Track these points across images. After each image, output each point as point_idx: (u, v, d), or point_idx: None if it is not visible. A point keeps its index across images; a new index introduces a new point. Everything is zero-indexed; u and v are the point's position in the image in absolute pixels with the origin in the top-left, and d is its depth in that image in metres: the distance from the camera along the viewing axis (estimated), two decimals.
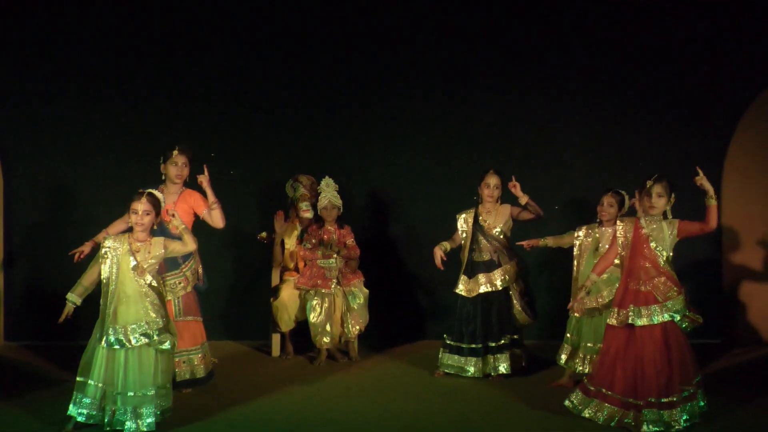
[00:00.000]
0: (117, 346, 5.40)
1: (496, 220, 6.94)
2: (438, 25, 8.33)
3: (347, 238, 7.49)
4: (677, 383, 5.50)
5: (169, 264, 6.20)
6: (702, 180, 5.60)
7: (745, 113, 8.13)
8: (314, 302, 7.29)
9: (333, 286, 7.32)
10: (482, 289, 6.88)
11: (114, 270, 5.47)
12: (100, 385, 5.41)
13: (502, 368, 6.84)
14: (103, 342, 5.41)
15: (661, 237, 5.60)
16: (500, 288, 6.89)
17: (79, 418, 5.41)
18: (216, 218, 6.40)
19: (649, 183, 5.62)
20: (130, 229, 5.67)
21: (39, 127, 8.19)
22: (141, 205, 5.52)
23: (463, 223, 7.04)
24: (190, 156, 6.49)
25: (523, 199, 6.80)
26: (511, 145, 8.29)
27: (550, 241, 6.94)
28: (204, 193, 6.39)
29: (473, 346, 6.87)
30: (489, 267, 6.92)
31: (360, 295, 7.40)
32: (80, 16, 8.16)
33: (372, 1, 8.34)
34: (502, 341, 6.87)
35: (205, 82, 8.31)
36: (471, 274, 6.94)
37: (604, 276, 6.21)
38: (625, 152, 8.19)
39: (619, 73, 8.27)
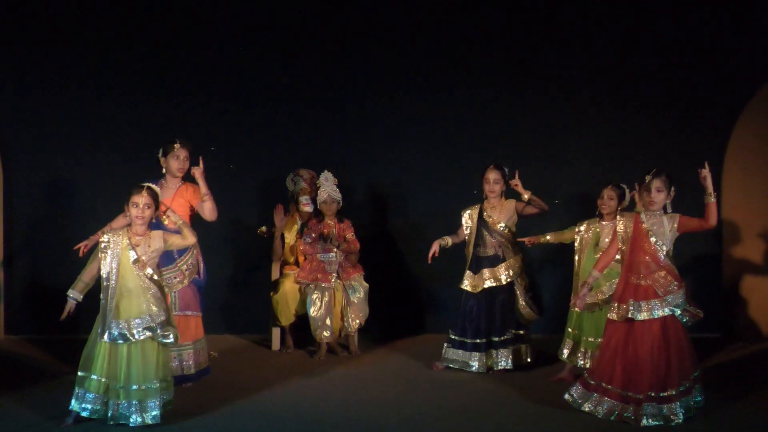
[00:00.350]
0: (120, 341, 5.40)
1: (501, 216, 6.94)
2: (440, 20, 8.31)
3: (347, 232, 7.48)
4: (676, 377, 5.51)
5: (164, 259, 6.16)
6: (706, 175, 5.58)
7: (746, 108, 8.12)
8: (314, 296, 7.29)
9: (333, 280, 7.33)
10: (487, 284, 6.89)
11: (114, 265, 5.46)
12: (103, 379, 5.41)
13: (504, 363, 6.84)
14: (105, 337, 5.40)
15: (662, 232, 5.60)
16: (504, 283, 6.89)
17: (84, 413, 5.41)
18: (207, 210, 6.38)
19: (647, 177, 5.62)
20: (128, 225, 5.67)
21: (39, 121, 8.18)
22: (142, 198, 5.51)
23: (468, 218, 7.04)
24: (191, 149, 6.48)
25: (526, 195, 6.80)
26: (513, 140, 8.28)
27: (551, 237, 6.96)
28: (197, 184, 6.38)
29: (477, 341, 6.87)
30: (493, 262, 6.92)
31: (360, 289, 7.40)
32: (80, 10, 8.14)
33: None
34: (505, 336, 6.88)
35: (205, 76, 8.30)
36: (476, 269, 6.95)
37: (605, 270, 6.21)
38: (625, 147, 8.18)
39: (619, 69, 8.25)
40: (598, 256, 6.29)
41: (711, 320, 7.69)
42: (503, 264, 6.91)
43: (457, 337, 6.95)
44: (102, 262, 5.48)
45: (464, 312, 6.96)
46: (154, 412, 5.41)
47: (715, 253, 8.19)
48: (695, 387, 5.60)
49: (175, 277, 6.34)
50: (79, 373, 5.47)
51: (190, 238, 5.79)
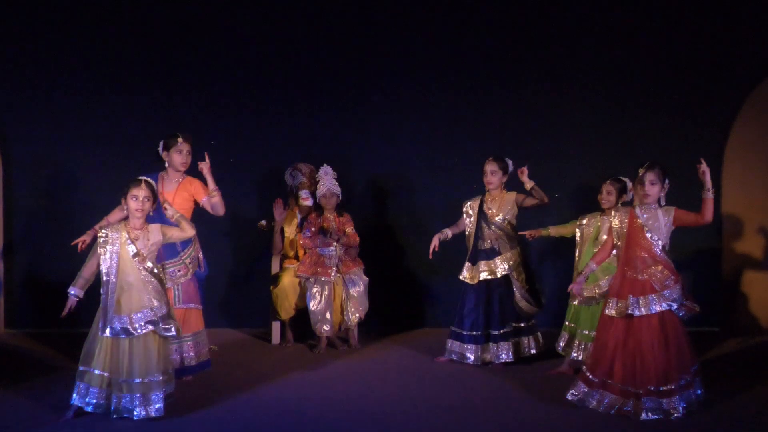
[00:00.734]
0: (123, 335, 5.41)
1: (500, 208, 6.94)
2: (440, 13, 8.30)
3: (347, 226, 7.48)
4: (675, 371, 5.51)
5: (168, 252, 6.19)
6: (705, 171, 5.55)
7: (746, 102, 8.12)
8: (314, 290, 7.29)
9: (333, 274, 7.33)
10: (482, 276, 6.90)
11: (114, 260, 5.46)
12: (105, 374, 5.42)
13: (504, 356, 6.85)
14: (107, 332, 5.40)
15: (657, 226, 5.59)
16: (500, 276, 6.89)
17: (87, 408, 5.42)
18: (216, 206, 6.39)
19: (641, 171, 5.61)
20: (126, 218, 5.66)
21: (39, 114, 8.18)
22: (142, 192, 5.50)
23: (469, 209, 7.05)
24: (193, 143, 6.47)
25: (529, 184, 6.78)
26: (513, 134, 8.27)
27: (552, 231, 6.97)
28: (204, 180, 6.37)
29: (474, 333, 6.88)
30: (490, 255, 6.93)
31: (360, 282, 7.40)
32: (80, 4, 8.13)
33: None
34: (505, 329, 6.88)
35: (205, 69, 8.29)
36: (474, 261, 6.96)
37: (604, 264, 6.22)
38: (625, 142, 8.18)
39: (619, 63, 8.25)
40: (596, 250, 6.32)
41: (710, 314, 7.75)
42: (499, 257, 6.91)
43: (455, 329, 6.97)
44: (101, 257, 5.47)
45: (462, 304, 6.97)
46: (157, 405, 5.42)
47: (715, 247, 8.19)
48: (695, 380, 5.60)
49: (179, 270, 6.33)
50: (80, 368, 5.47)
51: (188, 231, 5.78)
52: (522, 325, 6.98)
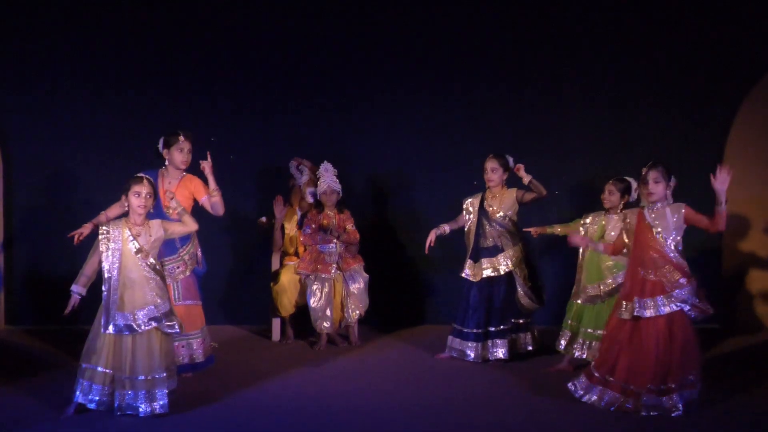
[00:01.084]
0: (126, 332, 5.40)
1: (500, 205, 6.94)
2: (440, 10, 8.29)
3: (347, 223, 7.48)
4: (678, 371, 5.50)
5: (166, 249, 6.18)
6: (719, 187, 5.44)
7: (746, 99, 8.12)
8: (314, 287, 7.29)
9: (333, 271, 7.33)
10: (485, 274, 6.90)
11: (116, 257, 5.45)
12: (108, 370, 5.42)
13: (500, 353, 6.86)
14: (110, 329, 5.39)
15: (665, 224, 5.55)
16: (503, 273, 6.89)
17: (91, 405, 5.42)
18: (216, 206, 6.38)
19: (644, 170, 5.61)
20: (124, 215, 5.65)
21: (39, 110, 8.18)
22: (144, 188, 5.50)
23: (469, 206, 7.05)
24: (193, 141, 6.46)
25: (526, 178, 6.77)
26: (513, 131, 8.27)
27: (557, 229, 6.95)
28: (204, 179, 6.36)
29: (475, 330, 6.89)
30: (492, 252, 6.93)
31: (360, 279, 7.40)
32: (80, 3, 8.12)
33: None
34: (503, 326, 6.88)
35: (205, 67, 8.29)
36: (476, 258, 6.96)
37: (609, 263, 6.25)
38: (626, 139, 8.18)
39: (620, 60, 8.25)
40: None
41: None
42: (502, 254, 6.91)
43: (457, 326, 6.97)
44: (103, 254, 5.46)
45: (465, 301, 6.97)
46: (162, 401, 5.43)
47: (716, 244, 8.19)
48: (697, 381, 5.58)
49: (177, 267, 6.33)
50: (82, 365, 5.47)
51: (191, 225, 5.79)
52: (521, 321, 6.98)
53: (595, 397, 5.63)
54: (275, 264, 7.74)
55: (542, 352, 7.02)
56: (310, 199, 7.61)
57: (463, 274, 6.97)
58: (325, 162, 7.49)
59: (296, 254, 7.65)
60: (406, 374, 6.59)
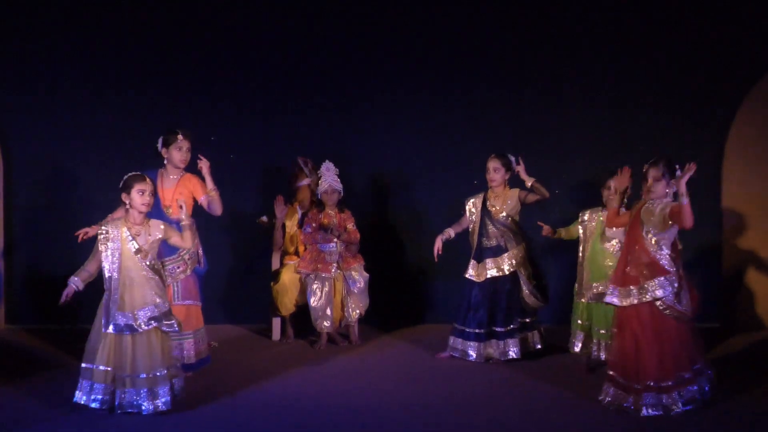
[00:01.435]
0: (127, 332, 5.40)
1: (503, 205, 6.94)
2: (440, 10, 8.29)
3: (348, 223, 7.48)
4: (673, 366, 5.49)
5: (167, 249, 6.17)
6: (683, 175, 5.37)
7: (746, 99, 8.12)
8: (314, 286, 7.29)
9: (333, 270, 7.33)
10: (490, 274, 6.89)
11: (116, 257, 5.45)
12: (109, 369, 5.41)
13: (512, 353, 6.85)
14: (111, 328, 5.39)
15: (652, 220, 5.53)
16: (507, 273, 6.89)
17: (93, 405, 5.41)
18: (214, 206, 6.39)
19: (645, 167, 5.61)
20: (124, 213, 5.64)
21: (40, 110, 8.19)
22: (148, 186, 5.51)
23: (472, 207, 7.04)
24: (192, 140, 6.46)
25: (529, 181, 6.78)
26: (513, 131, 8.27)
27: (563, 233, 6.94)
28: (202, 178, 6.36)
29: (477, 331, 6.88)
30: (496, 252, 6.92)
31: (360, 279, 7.40)
32: (81, 3, 8.13)
33: None
34: (511, 326, 6.88)
35: (206, 67, 8.30)
36: (479, 258, 6.95)
37: (611, 263, 6.22)
38: (626, 138, 8.17)
39: (620, 60, 8.25)
40: (606, 245, 6.33)
41: (711, 310, 7.74)
42: (506, 254, 6.90)
43: (459, 326, 6.96)
44: (103, 254, 5.46)
45: (467, 301, 6.96)
46: (164, 398, 5.43)
47: (716, 243, 8.19)
48: (700, 377, 5.59)
49: (178, 267, 6.31)
50: (83, 365, 5.46)
51: (188, 242, 5.79)
52: (527, 320, 6.97)
53: (603, 395, 5.65)
54: (275, 263, 7.74)
55: (546, 351, 7.00)
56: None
57: (467, 275, 6.96)
58: (327, 161, 7.48)
59: (297, 253, 7.64)
60: (406, 373, 6.58)
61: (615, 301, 5.56)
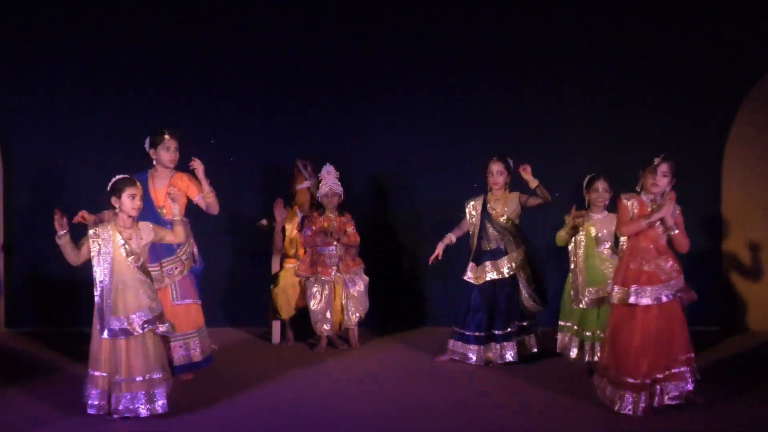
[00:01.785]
0: (122, 336, 5.40)
1: (504, 208, 6.93)
2: (440, 10, 8.28)
3: (347, 226, 7.47)
4: (667, 360, 5.54)
5: (164, 250, 6.20)
6: (666, 201, 5.53)
7: (746, 99, 8.12)
8: (314, 289, 7.30)
9: (333, 274, 7.33)
10: (489, 277, 6.89)
11: (107, 261, 5.43)
12: (104, 374, 5.42)
13: (509, 356, 6.86)
14: (105, 333, 5.40)
15: (668, 216, 5.56)
16: (506, 276, 6.88)
17: (90, 411, 5.42)
18: (210, 205, 6.41)
19: (657, 160, 5.62)
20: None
21: (40, 110, 8.19)
22: (138, 191, 5.51)
23: (472, 209, 7.03)
24: (180, 139, 6.45)
25: (533, 183, 6.76)
26: (513, 132, 8.27)
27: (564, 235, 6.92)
28: (193, 174, 6.37)
29: (477, 334, 6.88)
30: (496, 255, 6.92)
31: (360, 282, 7.40)
32: (80, 3, 8.12)
33: None
34: (509, 329, 6.88)
35: (205, 69, 8.29)
36: (478, 261, 6.95)
37: (610, 269, 6.21)
38: (627, 139, 8.17)
39: (620, 60, 8.24)
40: (601, 249, 6.31)
41: (709, 313, 7.76)
42: (505, 257, 6.90)
43: (458, 329, 6.96)
44: (93, 258, 5.44)
45: (465, 303, 6.96)
46: (161, 401, 5.44)
47: (715, 245, 8.19)
48: (688, 373, 5.61)
49: (175, 268, 6.33)
50: (90, 372, 5.47)
51: (180, 237, 5.78)
52: (525, 324, 6.97)
53: (600, 392, 5.67)
54: (275, 266, 7.74)
55: (543, 354, 7.00)
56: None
57: (466, 278, 6.96)
58: (328, 164, 7.47)
59: (296, 256, 7.64)
60: (406, 377, 6.59)
61: (644, 300, 5.52)
